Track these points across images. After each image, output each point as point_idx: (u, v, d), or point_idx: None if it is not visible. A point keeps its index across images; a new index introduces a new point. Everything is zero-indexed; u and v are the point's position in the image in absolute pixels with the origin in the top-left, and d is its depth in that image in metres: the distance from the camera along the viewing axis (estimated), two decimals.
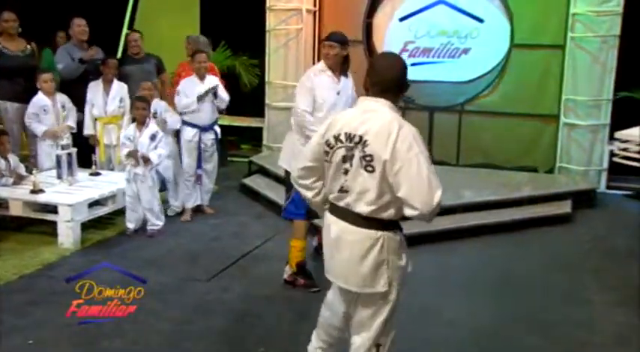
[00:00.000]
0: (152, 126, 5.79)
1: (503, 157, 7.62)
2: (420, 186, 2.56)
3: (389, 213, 2.68)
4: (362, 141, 2.65)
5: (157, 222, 5.74)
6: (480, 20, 7.58)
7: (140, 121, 5.75)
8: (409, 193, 2.57)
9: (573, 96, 7.23)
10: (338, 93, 4.70)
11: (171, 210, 6.22)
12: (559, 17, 7.23)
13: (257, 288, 4.69)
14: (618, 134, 6.68)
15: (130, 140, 5.72)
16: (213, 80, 6.13)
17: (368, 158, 2.63)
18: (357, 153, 2.66)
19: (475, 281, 4.92)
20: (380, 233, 2.69)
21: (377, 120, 2.66)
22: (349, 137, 2.69)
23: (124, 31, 8.34)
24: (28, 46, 6.55)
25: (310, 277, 4.69)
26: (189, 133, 6.08)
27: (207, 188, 6.39)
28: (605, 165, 7.27)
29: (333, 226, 2.80)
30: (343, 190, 2.73)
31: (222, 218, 6.29)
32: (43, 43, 6.92)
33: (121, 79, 6.65)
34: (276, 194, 6.69)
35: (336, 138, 2.72)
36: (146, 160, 5.66)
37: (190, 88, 5.98)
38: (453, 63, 7.72)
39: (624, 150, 6.55)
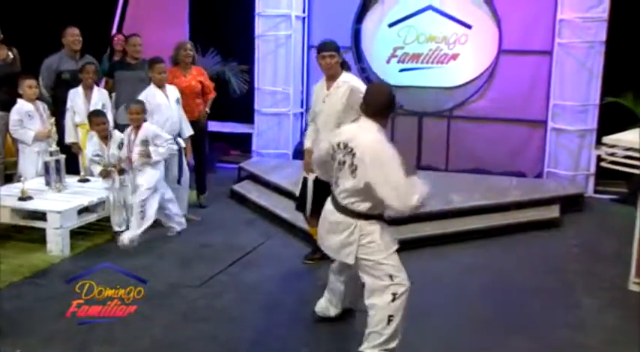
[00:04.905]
0: (116, 136, 5.82)
1: (492, 162, 7.66)
2: (394, 194, 3.28)
3: (364, 207, 3.47)
4: (352, 152, 3.43)
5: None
6: (469, 26, 7.63)
7: (103, 136, 5.79)
8: (387, 198, 3.32)
9: (561, 102, 7.29)
10: (323, 102, 4.79)
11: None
12: (546, 23, 7.29)
13: (248, 294, 4.68)
14: (606, 139, 6.73)
15: (99, 156, 5.77)
16: (174, 90, 6.12)
17: (354, 166, 3.42)
18: (348, 160, 3.45)
19: (465, 285, 4.93)
20: (353, 220, 3.50)
21: (365, 136, 3.42)
22: (344, 146, 3.48)
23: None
24: (10, 53, 6.50)
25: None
26: None
27: (183, 197, 6.32)
28: (593, 169, 7.32)
29: (327, 207, 3.69)
30: (336, 183, 3.57)
31: (212, 224, 6.28)
32: (27, 47, 6.88)
33: (113, 84, 6.72)
34: (266, 200, 6.70)
35: (338, 145, 3.53)
36: (121, 171, 5.72)
37: (151, 101, 5.93)
38: (441, 68, 7.76)
39: (611, 154, 6.59)
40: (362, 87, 4.54)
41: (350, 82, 4.71)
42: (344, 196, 3.52)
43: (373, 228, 3.50)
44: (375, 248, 3.49)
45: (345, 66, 4.85)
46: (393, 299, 3.44)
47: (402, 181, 3.29)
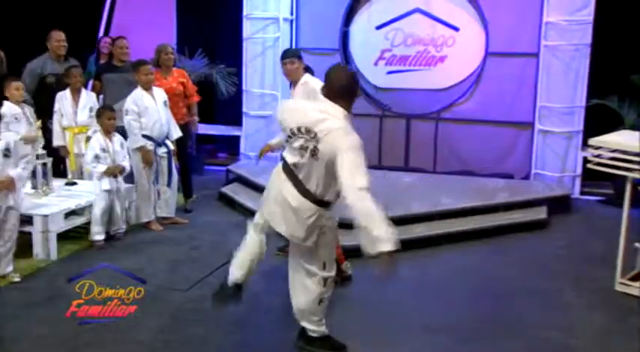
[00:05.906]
0: (117, 135, 5.87)
1: (480, 164, 7.70)
2: (348, 175, 3.26)
3: (321, 191, 3.47)
4: (316, 137, 3.37)
5: (123, 226, 5.87)
6: (456, 28, 7.67)
7: (108, 131, 5.79)
8: (341, 178, 3.27)
9: (547, 104, 7.35)
10: None
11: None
12: (533, 25, 7.35)
13: None
14: (592, 141, 6.79)
15: (105, 151, 5.72)
16: (161, 93, 6.11)
17: (317, 151, 3.37)
18: (311, 145, 3.40)
19: (453, 287, 4.95)
20: (314, 207, 3.50)
21: (331, 124, 3.36)
22: (307, 131, 3.41)
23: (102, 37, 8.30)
24: None
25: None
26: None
27: (172, 200, 6.31)
28: (579, 171, 7.38)
29: (284, 184, 3.55)
30: (297, 167, 3.49)
31: (200, 227, 6.26)
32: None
33: (101, 87, 6.72)
34: (255, 202, 6.67)
35: (299, 129, 3.43)
36: (121, 170, 5.76)
37: (139, 104, 5.93)
38: (429, 71, 7.79)
39: (598, 156, 6.65)
40: (318, 85, 4.93)
41: (308, 81, 5.10)
42: (304, 179, 3.48)
43: (330, 222, 3.63)
44: (327, 240, 3.66)
45: (309, 70, 5.29)
46: (325, 284, 3.72)
47: (357, 162, 3.28)
